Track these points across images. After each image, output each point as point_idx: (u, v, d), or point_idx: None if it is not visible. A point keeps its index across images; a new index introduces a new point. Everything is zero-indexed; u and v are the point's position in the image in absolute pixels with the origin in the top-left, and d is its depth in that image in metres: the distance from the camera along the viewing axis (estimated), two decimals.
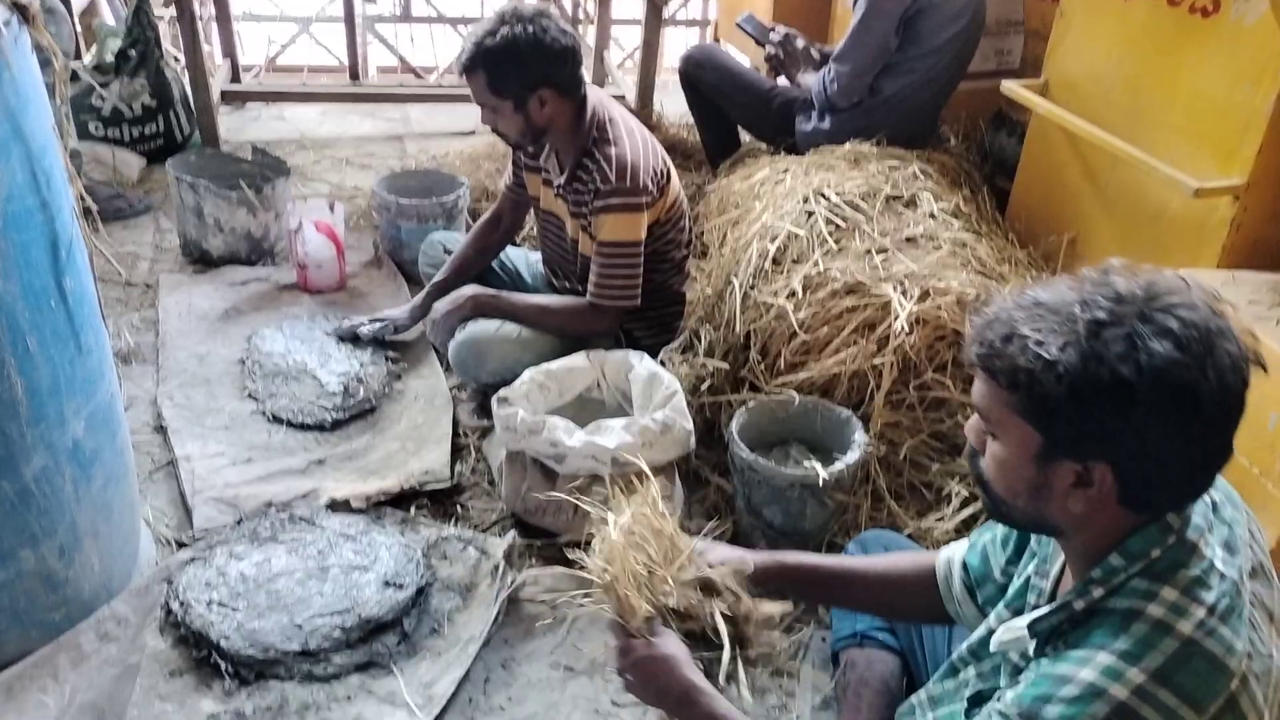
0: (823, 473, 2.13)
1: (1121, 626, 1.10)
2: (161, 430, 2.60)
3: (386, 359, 2.88)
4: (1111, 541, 1.15)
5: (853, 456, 2.18)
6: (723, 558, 1.58)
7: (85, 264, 1.88)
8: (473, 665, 1.99)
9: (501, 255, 2.97)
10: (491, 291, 2.67)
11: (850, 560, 1.71)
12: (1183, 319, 1.06)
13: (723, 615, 1.49)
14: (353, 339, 2.91)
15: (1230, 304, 1.13)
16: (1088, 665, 1.09)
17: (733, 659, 1.49)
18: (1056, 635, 1.19)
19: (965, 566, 1.55)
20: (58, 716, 1.82)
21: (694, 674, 1.43)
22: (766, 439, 2.37)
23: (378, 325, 2.91)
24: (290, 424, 2.64)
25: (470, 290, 2.67)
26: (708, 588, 1.51)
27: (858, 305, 2.42)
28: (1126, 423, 1.07)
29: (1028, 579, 1.37)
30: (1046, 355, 1.08)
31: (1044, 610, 1.22)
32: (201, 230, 3.34)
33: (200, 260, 3.39)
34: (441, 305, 2.68)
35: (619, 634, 1.47)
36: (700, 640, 1.49)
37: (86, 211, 1.87)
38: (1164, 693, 1.06)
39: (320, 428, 2.63)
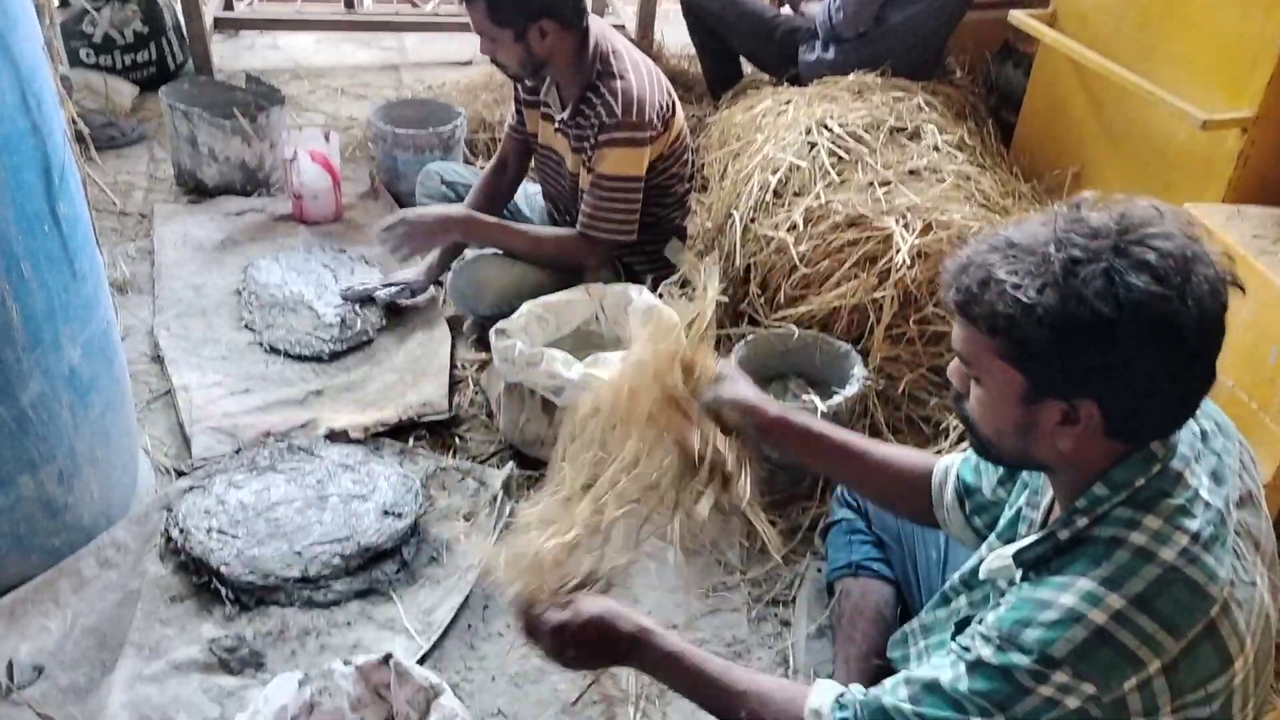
0: (821, 406, 2.13)
1: (1104, 554, 1.11)
2: (158, 360, 2.59)
3: (389, 289, 2.86)
4: (1097, 472, 1.15)
5: (851, 390, 2.18)
6: (741, 395, 1.57)
7: (78, 190, 1.86)
8: (471, 593, 2.01)
9: None
10: (480, 215, 2.63)
11: (856, 437, 1.67)
12: (1159, 249, 1.05)
13: (715, 448, 1.49)
14: (366, 300, 2.81)
15: (1205, 228, 1.11)
16: (1068, 591, 1.10)
17: (707, 486, 1.51)
18: (1041, 564, 1.19)
19: (963, 483, 1.55)
20: (60, 640, 1.84)
21: (637, 617, 1.41)
22: (765, 373, 2.37)
23: (394, 289, 2.81)
24: (288, 355, 2.63)
25: (460, 211, 2.63)
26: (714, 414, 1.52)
27: (859, 238, 2.40)
28: (1110, 360, 1.06)
29: (1019, 510, 1.37)
30: (1025, 299, 1.07)
31: (1030, 540, 1.23)
32: (196, 160, 3.30)
33: (195, 190, 3.36)
34: (425, 217, 2.61)
35: (531, 619, 1.42)
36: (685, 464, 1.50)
37: (79, 137, 1.84)
38: (1143, 618, 1.07)
39: (318, 359, 2.62)
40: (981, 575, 1.34)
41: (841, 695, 1.29)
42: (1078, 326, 1.06)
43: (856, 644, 1.76)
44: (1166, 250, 1.05)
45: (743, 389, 1.59)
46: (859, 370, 2.22)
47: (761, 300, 2.46)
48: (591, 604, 1.41)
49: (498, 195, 2.82)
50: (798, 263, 2.41)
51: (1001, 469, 1.46)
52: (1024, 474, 1.39)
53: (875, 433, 2.29)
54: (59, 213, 1.73)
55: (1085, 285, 1.05)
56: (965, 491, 1.53)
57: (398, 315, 2.81)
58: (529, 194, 2.98)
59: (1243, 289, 1.10)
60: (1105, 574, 1.10)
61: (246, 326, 2.72)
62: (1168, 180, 2.63)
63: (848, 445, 1.62)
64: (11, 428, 1.76)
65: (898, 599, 1.83)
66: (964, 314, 1.15)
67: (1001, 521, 1.41)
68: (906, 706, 1.20)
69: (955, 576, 1.40)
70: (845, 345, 2.30)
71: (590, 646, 1.40)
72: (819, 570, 2.03)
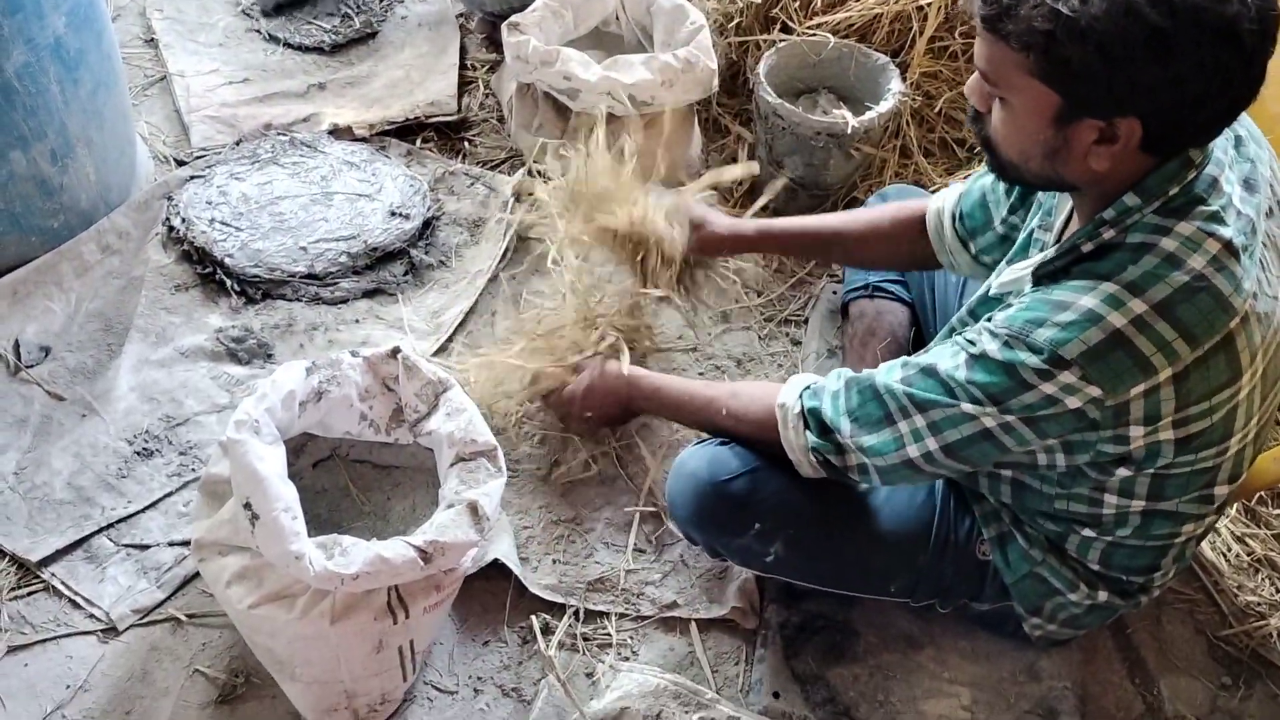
0: (853, 121, 2.01)
1: (1131, 259, 1.07)
2: (152, 44, 2.45)
3: None
4: (1128, 185, 1.09)
5: (885, 106, 2.05)
6: (715, 221, 1.71)
7: None
8: (480, 298, 1.98)
9: None
10: None
11: (834, 218, 1.71)
12: None
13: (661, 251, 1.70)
14: None
15: None
16: (1090, 293, 1.07)
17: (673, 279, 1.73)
18: (1061, 275, 1.14)
19: (959, 217, 1.50)
20: (65, 323, 1.83)
21: (622, 368, 1.58)
22: (795, 86, 2.23)
23: None
24: (288, 44, 2.48)
25: None
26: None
27: None
28: (1161, 74, 0.98)
29: (1031, 232, 1.32)
30: (1066, 10, 0.97)
31: (1050, 253, 1.17)
32: None
33: None
34: None
35: (548, 396, 1.67)
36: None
37: None
38: (1162, 324, 1.04)
39: (319, 50, 2.48)
40: (993, 291, 1.29)
41: (811, 384, 1.30)
42: (1126, 40, 0.96)
43: (867, 363, 1.74)
44: None
45: (710, 220, 1.72)
46: (896, 85, 2.08)
47: (796, 4, 2.27)
48: (588, 373, 1.61)
49: None
50: None
51: (1014, 198, 1.40)
52: (1039, 195, 1.32)
53: (905, 155, 2.18)
54: None
55: None
56: (970, 232, 1.48)
57: (401, 4, 2.63)
58: None
59: None
60: (1131, 278, 1.06)
61: (243, 12, 2.55)
62: None
63: (829, 229, 1.67)
64: None
65: (912, 321, 1.80)
66: (993, 30, 1.04)
67: (1014, 247, 1.36)
68: (898, 386, 1.20)
69: (963, 309, 1.36)
70: (883, 57, 2.14)
71: (598, 401, 1.59)
72: (834, 292, 2.00)
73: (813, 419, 1.27)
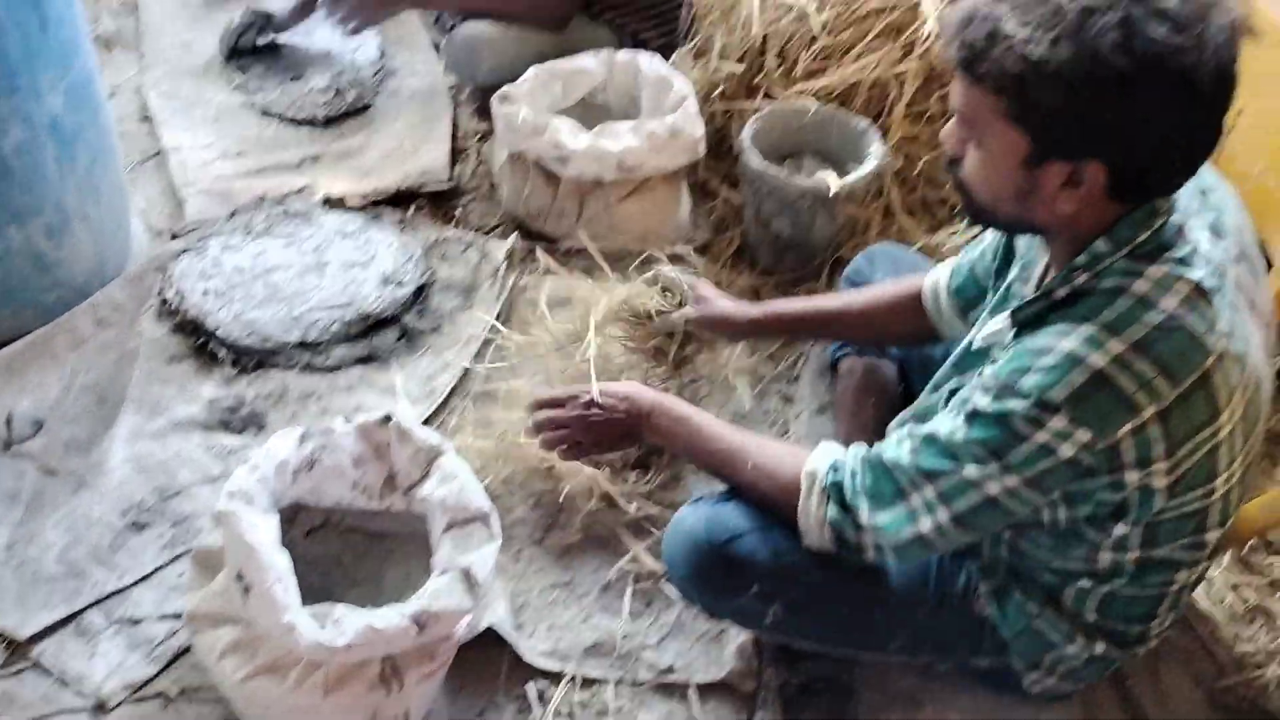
0: (836, 183, 2.05)
1: (1106, 302, 1.10)
2: (148, 120, 2.49)
3: (381, 53, 2.72)
4: (1098, 232, 1.12)
5: (867, 168, 2.09)
6: (717, 311, 1.75)
7: None
8: (472, 364, 1.99)
9: None
10: None
11: (836, 298, 1.77)
12: None
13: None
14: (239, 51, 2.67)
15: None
16: (1068, 336, 1.09)
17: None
18: (1038, 321, 1.17)
19: (954, 291, 1.53)
20: (59, 396, 1.84)
21: (652, 391, 1.53)
22: (780, 150, 2.27)
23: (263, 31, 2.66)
24: (282, 119, 2.52)
25: None
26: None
27: (885, 6, 2.24)
28: (1124, 117, 1.02)
29: (1010, 285, 1.35)
30: (1036, 55, 1.01)
31: (1026, 299, 1.21)
32: None
33: None
34: None
35: (557, 404, 1.58)
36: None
37: None
38: (1142, 363, 1.06)
39: (313, 123, 2.52)
40: (976, 344, 1.32)
41: (837, 460, 1.30)
42: (1093, 84, 1.01)
43: (859, 420, 1.75)
44: None
45: (715, 302, 1.76)
46: (877, 148, 2.12)
47: (778, 72, 2.33)
48: (617, 385, 1.55)
49: None
50: (818, 32, 2.26)
51: (998, 261, 1.43)
52: (1020, 249, 1.35)
53: (889, 214, 2.21)
54: None
55: (1100, 37, 0.99)
56: (967, 303, 1.51)
57: (394, 77, 2.68)
58: None
59: (1256, 35, 1.05)
60: (1106, 320, 1.08)
61: (238, 88, 2.60)
62: None
63: (832, 310, 1.72)
64: None
65: (901, 378, 1.82)
66: (967, 72, 1.09)
67: (995, 298, 1.38)
68: (906, 459, 1.21)
69: (946, 363, 1.39)
70: (864, 121, 2.19)
71: (615, 419, 1.50)
72: (823, 349, 2.01)
73: (834, 492, 1.27)
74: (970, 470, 1.15)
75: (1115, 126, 1.03)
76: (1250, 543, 1.75)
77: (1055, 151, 1.07)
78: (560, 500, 1.73)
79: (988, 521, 1.19)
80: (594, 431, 1.53)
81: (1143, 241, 1.11)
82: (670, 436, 1.48)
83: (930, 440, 1.19)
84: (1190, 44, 0.99)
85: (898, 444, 1.23)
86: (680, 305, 1.80)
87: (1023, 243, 1.34)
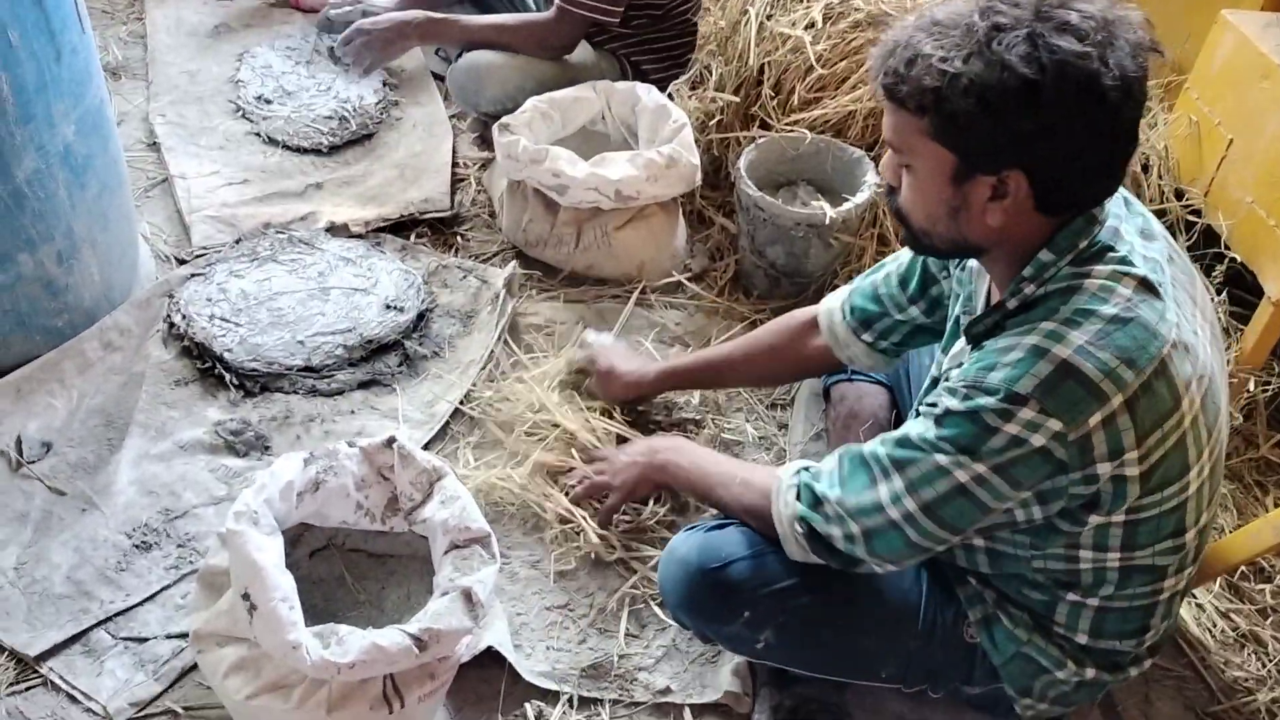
0: (830, 212, 2.09)
1: (1061, 301, 1.17)
2: (154, 147, 2.54)
3: (385, 85, 2.77)
4: (1036, 246, 1.19)
5: (862, 197, 2.14)
6: (617, 378, 1.88)
7: None
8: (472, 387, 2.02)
9: None
10: (438, 15, 2.54)
11: (726, 346, 1.88)
12: (1080, 11, 1.09)
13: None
14: (329, 29, 2.76)
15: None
16: (1030, 334, 1.16)
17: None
18: (995, 331, 1.23)
19: (849, 311, 1.62)
20: (66, 419, 1.87)
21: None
22: (775, 179, 2.32)
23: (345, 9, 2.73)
24: (286, 146, 2.57)
25: (416, 15, 2.54)
26: None
27: (880, 38, 2.29)
28: (1036, 124, 1.10)
29: (957, 320, 1.42)
30: (951, 70, 1.09)
31: (978, 315, 1.28)
32: None
33: None
34: (380, 24, 2.55)
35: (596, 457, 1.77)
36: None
37: None
38: (1104, 353, 1.12)
39: (317, 151, 2.56)
40: (943, 366, 1.39)
41: (810, 465, 1.36)
42: (1002, 91, 1.08)
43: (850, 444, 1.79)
44: (1088, 13, 1.10)
45: (617, 371, 1.88)
46: (871, 177, 2.17)
47: (774, 103, 2.38)
48: (633, 445, 1.75)
49: None
50: (814, 63, 2.31)
51: (912, 289, 1.52)
52: (954, 284, 1.43)
53: (883, 242, 2.25)
54: None
55: (1009, 50, 1.08)
56: (861, 323, 1.60)
57: (396, 107, 2.73)
58: None
59: (1162, 54, 1.15)
60: (1064, 316, 1.15)
61: (243, 116, 2.65)
62: None
63: (720, 356, 1.84)
64: (8, 204, 1.74)
65: (892, 402, 1.85)
66: (892, 97, 1.17)
67: (945, 336, 1.45)
68: (880, 450, 1.26)
69: (915, 399, 1.46)
70: (858, 152, 2.24)
71: (641, 462, 1.67)
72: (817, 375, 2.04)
73: (806, 491, 1.32)
74: (940, 458, 1.19)
75: (1029, 134, 1.10)
76: (1240, 569, 1.78)
77: (979, 165, 1.15)
78: (556, 529, 1.76)
79: (957, 513, 1.21)
80: (622, 483, 1.69)
81: (1084, 248, 1.18)
82: (687, 471, 1.59)
83: (902, 442, 1.24)
84: (1093, 53, 1.07)
85: (875, 442, 1.29)
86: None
87: (960, 276, 1.42)
